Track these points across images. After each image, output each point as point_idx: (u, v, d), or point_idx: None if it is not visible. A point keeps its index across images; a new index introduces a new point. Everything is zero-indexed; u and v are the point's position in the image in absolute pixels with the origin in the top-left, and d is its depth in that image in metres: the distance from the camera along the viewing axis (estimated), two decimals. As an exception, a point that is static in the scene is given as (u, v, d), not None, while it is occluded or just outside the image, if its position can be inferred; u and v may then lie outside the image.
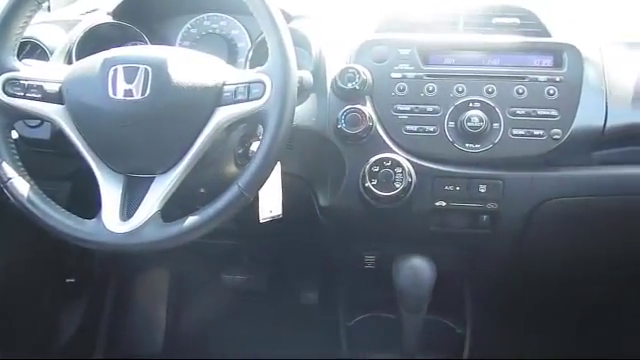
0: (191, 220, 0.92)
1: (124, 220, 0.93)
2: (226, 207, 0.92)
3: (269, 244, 1.45)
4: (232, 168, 1.07)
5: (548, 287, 1.53)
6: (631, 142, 1.12)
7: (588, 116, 1.08)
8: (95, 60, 0.95)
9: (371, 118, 1.09)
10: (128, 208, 0.94)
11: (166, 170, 0.94)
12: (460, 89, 1.10)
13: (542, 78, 1.09)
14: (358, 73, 1.10)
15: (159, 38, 1.26)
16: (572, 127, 1.07)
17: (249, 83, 0.93)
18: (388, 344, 1.41)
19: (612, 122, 1.09)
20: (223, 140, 1.01)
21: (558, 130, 1.07)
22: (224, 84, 0.94)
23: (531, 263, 1.32)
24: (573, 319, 1.66)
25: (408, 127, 1.10)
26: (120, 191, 0.95)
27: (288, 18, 1.20)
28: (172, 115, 0.92)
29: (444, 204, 1.12)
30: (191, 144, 0.93)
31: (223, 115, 0.93)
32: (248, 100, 0.92)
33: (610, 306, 1.64)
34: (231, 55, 1.28)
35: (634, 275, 1.41)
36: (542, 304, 1.63)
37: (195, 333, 1.85)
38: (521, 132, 1.08)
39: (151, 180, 0.95)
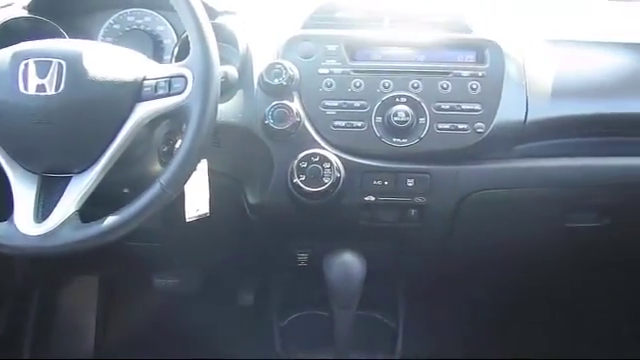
0: (111, 220, 0.89)
1: (39, 222, 0.89)
2: (147, 205, 0.89)
3: (200, 245, 1.41)
4: (157, 167, 1.04)
5: (478, 279, 1.57)
6: (550, 135, 1.16)
7: (509, 110, 1.11)
8: (4, 54, 0.91)
9: (299, 114, 1.09)
10: (43, 209, 0.90)
11: (84, 169, 0.91)
12: (386, 84, 1.11)
13: (465, 73, 1.11)
14: (285, 69, 1.09)
15: (80, 34, 1.21)
16: (494, 121, 1.09)
17: (170, 78, 0.90)
18: (321, 342, 1.40)
19: (532, 116, 1.12)
20: (145, 137, 0.99)
21: (481, 124, 1.09)
22: (144, 79, 0.91)
23: (461, 255, 1.35)
24: (505, 310, 1.70)
25: (336, 123, 1.10)
26: (34, 191, 0.91)
27: (214, 14, 1.18)
28: (89, 111, 0.89)
29: (373, 199, 1.12)
30: (110, 142, 0.90)
31: (143, 111, 0.90)
32: (169, 95, 0.90)
33: (540, 296, 1.69)
34: (157, 52, 1.24)
35: (558, 265, 1.47)
36: (473, 296, 1.66)
37: (127, 339, 1.79)
38: (446, 126, 1.10)
39: (68, 180, 0.91)
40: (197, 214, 1.09)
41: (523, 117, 1.11)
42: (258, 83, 1.11)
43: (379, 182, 1.11)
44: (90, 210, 0.92)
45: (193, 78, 0.89)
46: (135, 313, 1.83)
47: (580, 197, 1.21)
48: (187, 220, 1.08)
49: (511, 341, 1.68)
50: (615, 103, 1.17)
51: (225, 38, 1.14)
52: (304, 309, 1.49)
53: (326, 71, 1.12)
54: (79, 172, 0.91)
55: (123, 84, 0.90)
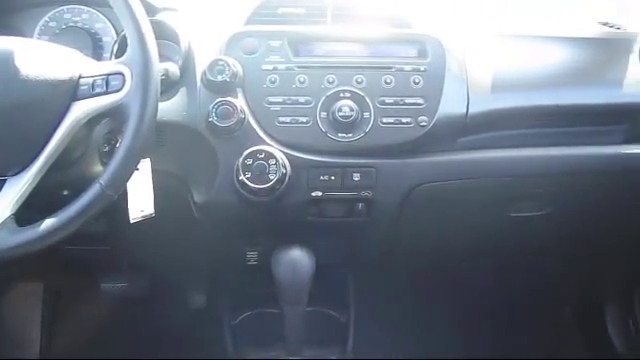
0: (49, 223, 0.86)
1: (-29, 227, 0.85)
2: (87, 207, 0.87)
3: (147, 247, 1.38)
4: (98, 167, 1.02)
5: (426, 271, 1.59)
6: (492, 127, 1.18)
7: (451, 104, 1.13)
8: None
9: (243, 110, 1.08)
10: None
11: (19, 171, 0.88)
12: (331, 80, 1.11)
13: (408, 68, 1.13)
14: (228, 65, 1.08)
15: (14, 32, 1.16)
16: (437, 114, 1.11)
17: (107, 75, 0.88)
18: (273, 339, 1.40)
19: (473, 109, 1.14)
20: (84, 137, 0.96)
21: (424, 117, 1.11)
22: (80, 77, 0.89)
23: (409, 247, 1.36)
24: (453, 300, 1.73)
25: (281, 119, 1.10)
26: None
27: (154, 10, 1.17)
28: (22, 112, 0.86)
29: (320, 194, 1.12)
30: (46, 143, 0.87)
31: (81, 110, 0.88)
32: (107, 93, 0.88)
33: (487, 285, 1.73)
34: (96, 50, 1.21)
35: (503, 254, 1.51)
36: (423, 289, 1.69)
37: (74, 347, 1.74)
38: (390, 120, 1.11)
39: (2, 182, 0.88)
40: (141, 215, 1.07)
41: (465, 110, 1.13)
42: (201, 80, 1.10)
43: (325, 177, 1.12)
44: (29, 214, 0.89)
45: (131, 75, 0.87)
46: (83, 320, 1.78)
47: (522, 187, 1.25)
48: (131, 221, 1.06)
49: (461, 330, 1.70)
50: (553, 95, 1.20)
51: (166, 35, 1.12)
52: (255, 307, 1.48)
53: (270, 67, 1.11)
54: (14, 174, 0.88)
55: (58, 83, 0.87)
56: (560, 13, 1.51)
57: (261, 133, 1.09)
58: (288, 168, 1.08)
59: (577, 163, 1.22)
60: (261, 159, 1.06)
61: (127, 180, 0.90)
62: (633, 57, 1.27)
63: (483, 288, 1.71)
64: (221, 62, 1.08)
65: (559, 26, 1.38)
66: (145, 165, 1.05)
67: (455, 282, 1.67)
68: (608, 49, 1.30)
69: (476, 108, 1.14)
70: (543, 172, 1.21)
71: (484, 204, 1.26)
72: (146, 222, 1.08)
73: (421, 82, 1.12)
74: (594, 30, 1.38)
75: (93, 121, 0.91)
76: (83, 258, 1.41)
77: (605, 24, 1.42)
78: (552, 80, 1.22)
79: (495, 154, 1.19)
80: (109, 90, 0.88)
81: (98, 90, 0.88)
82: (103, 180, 0.87)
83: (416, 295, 1.70)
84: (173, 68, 1.07)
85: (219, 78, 1.07)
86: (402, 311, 1.70)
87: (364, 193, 1.13)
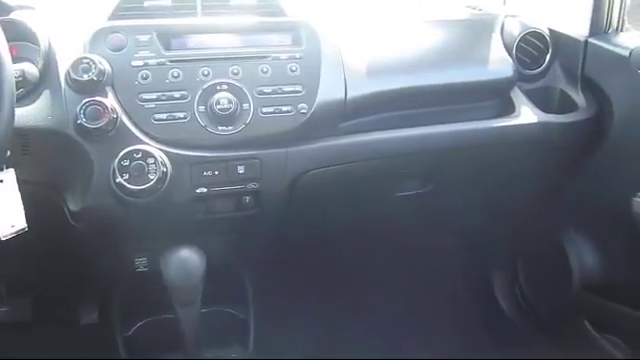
0: None
1: None
2: None
3: (25, 265, 1.29)
4: None
5: (322, 261, 1.60)
6: (370, 111, 1.21)
7: (330, 89, 1.13)
8: None
9: (114, 110, 1.02)
10: None
11: None
12: (206, 72, 1.08)
13: (283, 56, 1.12)
14: (94, 63, 1.02)
15: None
16: (316, 101, 1.12)
17: None
18: (171, 346, 1.35)
19: (352, 94, 1.16)
20: None
21: (304, 105, 1.11)
22: None
23: (302, 237, 1.36)
24: (348, 287, 1.75)
25: (157, 116, 1.06)
26: None
27: (7, 9, 1.09)
28: None
29: (205, 190, 1.10)
30: None
31: None
32: None
33: (376, 267, 1.76)
34: None
35: (394, 233, 1.55)
36: (319, 279, 1.69)
37: None
38: (270, 110, 1.10)
39: None
40: (13, 230, 0.99)
41: (343, 95, 1.15)
42: (65, 81, 1.03)
43: (209, 172, 1.09)
44: None
45: None
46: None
47: (405, 166, 1.29)
48: (2, 239, 0.98)
49: (360, 317, 1.72)
50: (427, 76, 1.25)
51: (22, 35, 1.05)
52: (150, 315, 1.42)
53: (140, 63, 1.06)
54: None
55: None
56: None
57: (137, 132, 1.05)
58: (169, 166, 1.04)
59: (453, 139, 1.27)
60: (139, 159, 1.01)
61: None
62: (495, 36, 1.35)
63: (379, 271, 1.74)
64: (86, 60, 1.02)
65: (430, 10, 1.43)
66: (9, 176, 0.98)
67: (350, 269, 1.69)
68: (474, 30, 1.37)
69: (354, 92, 1.16)
70: (422, 150, 1.25)
71: (371, 186, 1.28)
72: (20, 237, 1.00)
73: (298, 69, 1.12)
74: (462, 13, 1.45)
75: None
76: None
77: (469, 7, 1.50)
78: (425, 61, 1.27)
79: (376, 136, 1.21)
80: None
81: None
82: None
83: (315, 287, 1.70)
84: (31, 69, 0.99)
85: (85, 77, 1.01)
86: (302, 305, 1.69)
87: (250, 185, 1.12)
